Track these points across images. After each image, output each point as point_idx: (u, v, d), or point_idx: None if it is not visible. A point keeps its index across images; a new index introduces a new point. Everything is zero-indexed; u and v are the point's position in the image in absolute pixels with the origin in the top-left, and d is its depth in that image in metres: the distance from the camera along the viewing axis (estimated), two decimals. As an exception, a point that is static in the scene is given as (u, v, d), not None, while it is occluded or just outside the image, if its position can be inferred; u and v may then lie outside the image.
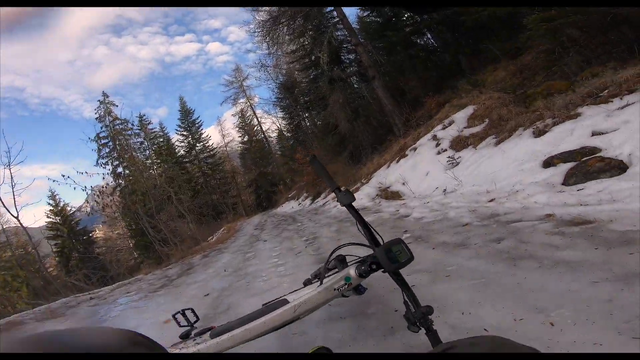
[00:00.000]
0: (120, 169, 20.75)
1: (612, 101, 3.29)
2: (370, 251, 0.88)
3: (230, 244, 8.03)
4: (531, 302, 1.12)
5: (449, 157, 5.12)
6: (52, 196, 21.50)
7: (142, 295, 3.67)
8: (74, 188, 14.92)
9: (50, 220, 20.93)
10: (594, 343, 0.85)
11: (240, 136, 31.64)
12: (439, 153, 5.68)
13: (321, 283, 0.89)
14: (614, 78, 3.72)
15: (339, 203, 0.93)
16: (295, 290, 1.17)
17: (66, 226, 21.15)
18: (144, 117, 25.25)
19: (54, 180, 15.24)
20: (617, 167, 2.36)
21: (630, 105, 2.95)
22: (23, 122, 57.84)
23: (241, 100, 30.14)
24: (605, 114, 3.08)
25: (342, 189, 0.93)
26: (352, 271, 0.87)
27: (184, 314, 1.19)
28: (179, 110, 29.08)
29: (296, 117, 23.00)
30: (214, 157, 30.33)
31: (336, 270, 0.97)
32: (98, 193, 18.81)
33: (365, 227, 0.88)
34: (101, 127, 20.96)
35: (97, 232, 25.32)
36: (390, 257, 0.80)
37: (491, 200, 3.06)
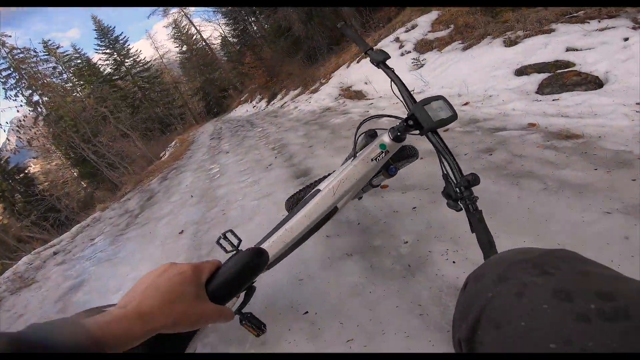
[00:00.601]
0: (36, 97, 19.72)
1: (588, 22, 3.20)
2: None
3: (188, 159, 7.32)
4: (550, 236, 1.09)
5: (413, 58, 5.01)
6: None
7: (109, 242, 3.26)
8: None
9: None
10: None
11: (177, 46, 30.99)
12: (402, 55, 5.58)
13: (355, 156, 0.82)
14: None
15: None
16: (325, 177, 1.09)
17: (-5, 168, 18.85)
18: (50, 42, 24.35)
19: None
20: (594, 82, 2.38)
21: (610, 29, 2.88)
22: None
23: (173, 10, 28.20)
24: (582, 33, 3.01)
25: (374, 48, 0.85)
26: (386, 138, 0.79)
27: (225, 238, 1.06)
28: (95, 30, 28.12)
29: (241, 22, 22.13)
30: (149, 70, 30.28)
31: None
32: (17, 128, 16.69)
33: (402, 85, 0.79)
34: (-3, 60, 18.88)
35: (32, 167, 23.28)
36: (429, 114, 0.69)
37: (466, 104, 3.02)
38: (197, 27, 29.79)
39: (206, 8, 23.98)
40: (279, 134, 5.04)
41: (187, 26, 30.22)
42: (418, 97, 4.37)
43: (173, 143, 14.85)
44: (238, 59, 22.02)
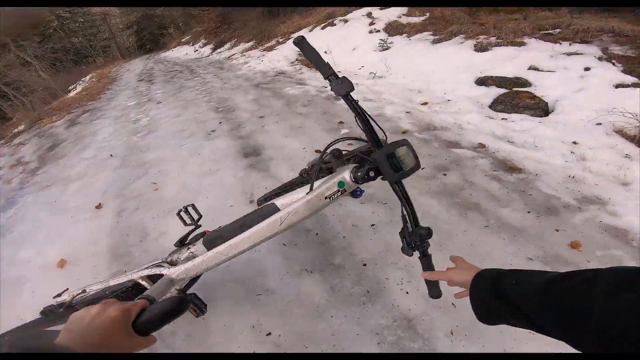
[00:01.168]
0: None
1: (560, 43, 3.35)
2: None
3: (107, 101, 6.12)
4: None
5: (381, 39, 4.92)
6: None
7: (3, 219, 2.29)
8: None
9: None
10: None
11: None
12: (371, 32, 5.43)
13: (311, 189, 0.79)
14: (572, 22, 3.72)
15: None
16: (286, 188, 1.13)
17: None
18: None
19: None
20: (542, 109, 2.60)
21: (577, 55, 3.04)
22: None
23: None
24: (549, 54, 3.16)
25: (339, 76, 0.73)
26: (346, 175, 0.76)
27: (187, 211, 1.08)
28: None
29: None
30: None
31: (330, 164, 0.88)
32: None
33: (366, 123, 0.73)
34: None
35: None
36: (392, 163, 0.68)
37: (424, 104, 3.11)
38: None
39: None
40: (225, 92, 4.58)
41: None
42: (380, 85, 4.27)
43: (88, 77, 12.44)
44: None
